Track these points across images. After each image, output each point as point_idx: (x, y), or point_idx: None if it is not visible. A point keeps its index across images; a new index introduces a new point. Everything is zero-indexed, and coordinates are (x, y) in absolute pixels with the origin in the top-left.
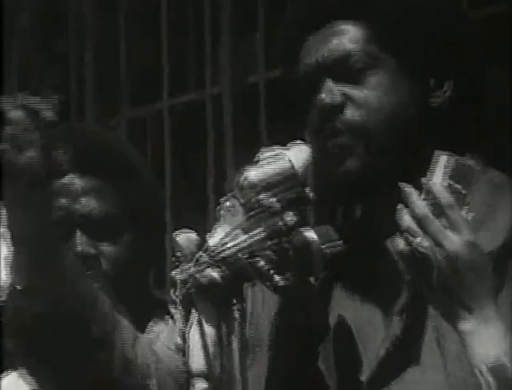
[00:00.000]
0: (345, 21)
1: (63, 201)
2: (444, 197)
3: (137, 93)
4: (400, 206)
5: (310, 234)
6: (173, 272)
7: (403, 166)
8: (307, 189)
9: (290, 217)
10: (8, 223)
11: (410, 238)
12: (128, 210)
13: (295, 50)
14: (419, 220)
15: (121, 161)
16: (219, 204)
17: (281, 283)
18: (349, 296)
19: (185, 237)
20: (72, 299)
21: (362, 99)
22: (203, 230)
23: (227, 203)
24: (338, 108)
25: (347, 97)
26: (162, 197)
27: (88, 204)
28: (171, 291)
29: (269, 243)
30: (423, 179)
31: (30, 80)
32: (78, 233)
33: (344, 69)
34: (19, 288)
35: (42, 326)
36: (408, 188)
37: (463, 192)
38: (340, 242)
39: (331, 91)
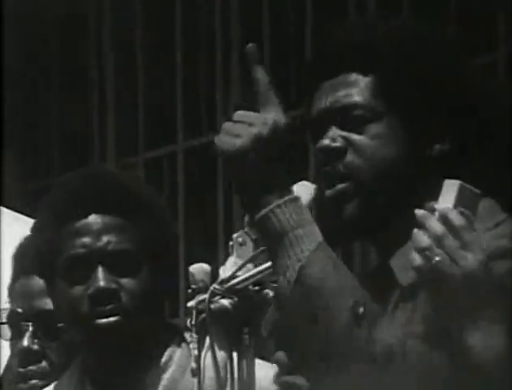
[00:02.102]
0: (356, 73)
1: (85, 239)
2: (458, 219)
3: (154, 136)
4: (415, 228)
5: None
6: (189, 303)
7: (398, 209)
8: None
9: None
10: None
11: (429, 255)
12: (146, 245)
13: (309, 95)
14: (436, 239)
15: (138, 200)
16: (230, 239)
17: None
18: None
19: (200, 270)
20: None
21: (363, 146)
22: (213, 263)
23: (240, 238)
24: (339, 152)
25: (348, 143)
26: (175, 233)
27: (109, 241)
28: (188, 320)
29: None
30: (436, 205)
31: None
32: (99, 269)
33: (349, 118)
34: None
35: None
36: (423, 212)
37: (471, 216)
38: None
39: (333, 136)
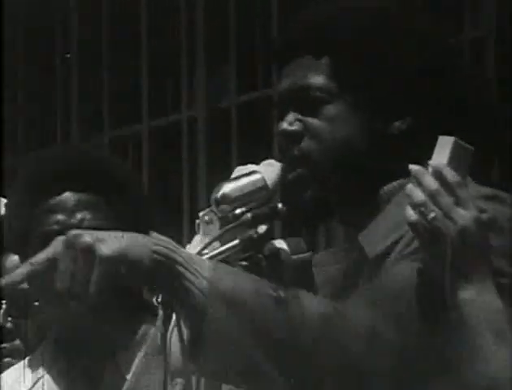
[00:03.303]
0: (312, 56)
1: (60, 216)
2: (452, 175)
3: (119, 115)
4: (410, 184)
5: (281, 245)
6: None
7: (359, 189)
8: (278, 204)
9: (263, 230)
10: None
11: (424, 211)
12: (120, 223)
13: (277, 77)
14: (431, 195)
15: (112, 176)
16: (197, 217)
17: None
18: None
19: None
20: None
21: (318, 129)
22: (179, 242)
23: (206, 217)
24: (295, 137)
25: (305, 127)
26: (150, 209)
27: (83, 218)
28: (154, 297)
29: (243, 253)
30: (430, 161)
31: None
32: None
33: (305, 101)
34: None
35: None
36: (417, 167)
37: (464, 172)
38: (310, 253)
39: (291, 120)
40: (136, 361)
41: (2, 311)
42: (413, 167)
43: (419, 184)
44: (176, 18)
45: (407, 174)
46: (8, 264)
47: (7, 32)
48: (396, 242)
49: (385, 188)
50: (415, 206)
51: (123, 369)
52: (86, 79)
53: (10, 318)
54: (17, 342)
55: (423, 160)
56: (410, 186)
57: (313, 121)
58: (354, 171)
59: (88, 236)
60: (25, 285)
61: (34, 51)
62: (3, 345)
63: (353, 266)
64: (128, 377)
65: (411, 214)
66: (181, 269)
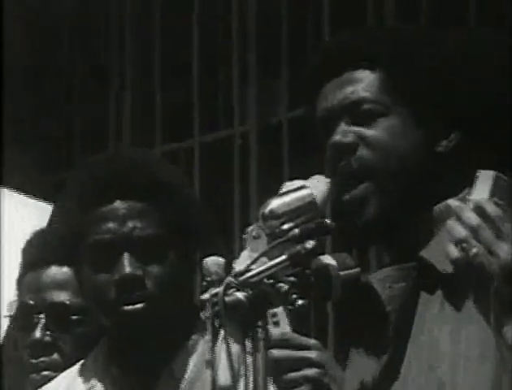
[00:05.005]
0: (361, 70)
1: (111, 224)
2: (494, 210)
3: (170, 130)
4: (450, 220)
5: (329, 260)
6: (204, 295)
7: (415, 206)
8: (327, 219)
9: (311, 245)
10: None
11: (466, 247)
12: (171, 230)
13: (313, 94)
14: (473, 231)
15: (162, 183)
16: (245, 233)
17: (303, 306)
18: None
19: (214, 263)
20: None
21: (374, 140)
22: (229, 256)
23: (254, 232)
24: (351, 147)
25: (360, 138)
26: (201, 215)
27: (134, 227)
28: (201, 312)
29: (291, 269)
30: (471, 196)
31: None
32: (125, 255)
33: (358, 113)
34: None
35: None
36: (457, 203)
37: (505, 206)
38: (358, 269)
39: (344, 132)
40: (189, 369)
41: (40, 325)
42: (453, 203)
43: (460, 219)
44: (228, 34)
45: (454, 193)
46: (46, 280)
47: (60, 48)
48: None
49: (436, 207)
50: (457, 242)
51: (177, 376)
52: (138, 94)
53: (48, 332)
54: (55, 356)
55: (468, 182)
56: (450, 222)
57: (368, 131)
58: (409, 184)
59: None
60: (65, 299)
61: (86, 67)
62: (42, 359)
63: (417, 285)
64: (182, 386)
65: (453, 250)
66: None
